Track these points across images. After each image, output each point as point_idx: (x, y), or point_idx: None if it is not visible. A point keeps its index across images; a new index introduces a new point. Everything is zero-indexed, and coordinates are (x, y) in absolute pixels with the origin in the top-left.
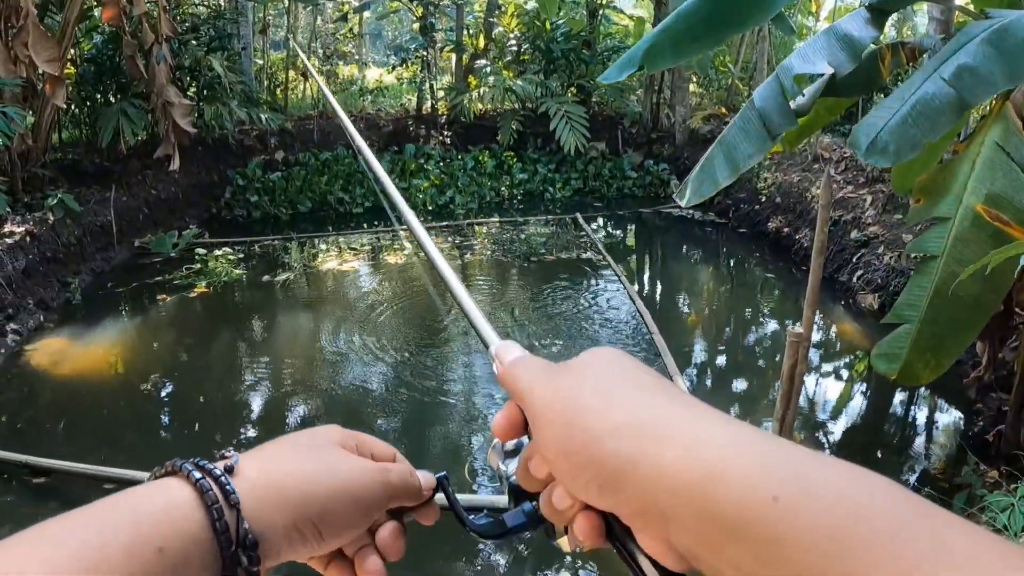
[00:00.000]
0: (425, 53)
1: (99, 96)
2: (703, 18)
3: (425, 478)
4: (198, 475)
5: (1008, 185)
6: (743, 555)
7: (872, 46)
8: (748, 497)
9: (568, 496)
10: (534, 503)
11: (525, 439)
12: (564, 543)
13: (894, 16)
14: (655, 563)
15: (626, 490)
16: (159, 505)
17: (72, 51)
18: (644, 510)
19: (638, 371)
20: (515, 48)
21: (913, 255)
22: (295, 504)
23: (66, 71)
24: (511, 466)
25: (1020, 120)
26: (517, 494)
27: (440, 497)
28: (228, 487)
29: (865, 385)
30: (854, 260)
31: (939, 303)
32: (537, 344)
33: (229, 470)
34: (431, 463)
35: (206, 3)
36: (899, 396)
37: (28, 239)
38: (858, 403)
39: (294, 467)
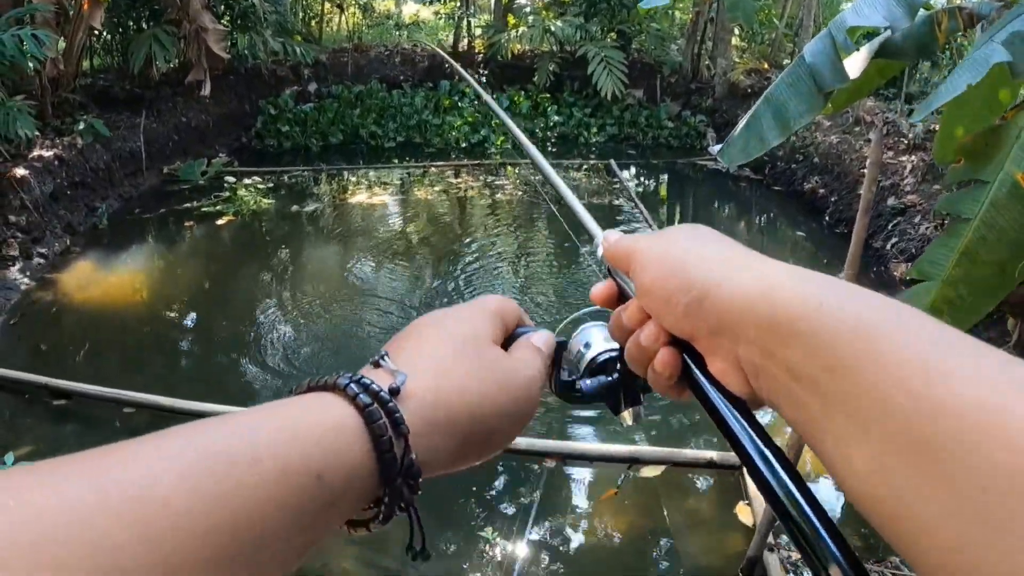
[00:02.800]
0: None
1: (131, 23)
2: None
3: (549, 340)
4: (366, 399)
5: None
6: (794, 353)
7: (925, 11)
8: (798, 304)
9: (655, 330)
10: (610, 377)
11: (593, 331)
12: (626, 416)
13: None
14: (722, 390)
15: (707, 309)
16: (319, 426)
17: None
18: (719, 327)
19: (728, 238)
20: None
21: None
22: (464, 429)
23: None
24: (588, 353)
25: None
26: (593, 371)
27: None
28: (397, 415)
29: None
30: (889, 227)
31: (964, 265)
32: (556, 296)
33: (394, 392)
34: None
35: None
36: None
37: (56, 163)
38: None
39: (463, 384)
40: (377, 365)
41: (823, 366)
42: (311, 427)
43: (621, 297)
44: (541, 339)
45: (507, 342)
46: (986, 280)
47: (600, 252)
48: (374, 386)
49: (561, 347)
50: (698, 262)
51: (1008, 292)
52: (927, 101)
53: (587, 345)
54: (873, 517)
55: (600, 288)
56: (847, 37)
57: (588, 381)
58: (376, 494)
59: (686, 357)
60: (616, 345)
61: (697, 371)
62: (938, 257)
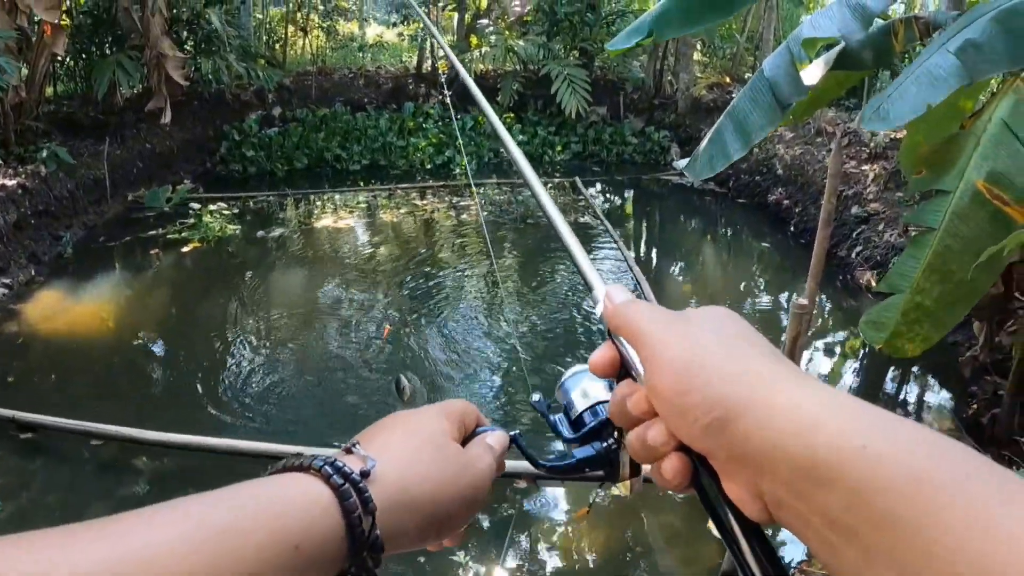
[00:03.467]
0: (427, 11)
1: (95, 48)
2: None
3: (502, 438)
4: (339, 480)
5: (1011, 164)
6: (832, 501)
7: (882, 21)
8: (841, 446)
9: (666, 434)
10: (605, 443)
11: (584, 381)
12: (624, 487)
13: None
14: (735, 511)
15: (730, 434)
16: (297, 502)
17: (68, 2)
18: (743, 456)
19: (751, 331)
20: (518, 8)
21: (909, 226)
22: (425, 512)
23: (63, 22)
24: (580, 405)
25: None
26: (584, 437)
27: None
28: (366, 494)
29: (858, 363)
30: (853, 236)
31: (931, 276)
32: (533, 313)
33: (365, 474)
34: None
35: None
36: (892, 374)
37: (20, 192)
38: (850, 380)
39: (426, 472)
40: (349, 451)
41: (868, 519)
42: (291, 504)
43: (623, 366)
44: (494, 438)
45: (466, 440)
46: (956, 288)
47: (599, 310)
48: (346, 468)
49: (515, 440)
50: (722, 376)
51: (978, 298)
52: (883, 110)
53: (575, 399)
54: None
55: (601, 356)
56: (803, 50)
57: (579, 451)
58: (343, 565)
59: (700, 470)
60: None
61: (711, 489)
62: (907, 269)
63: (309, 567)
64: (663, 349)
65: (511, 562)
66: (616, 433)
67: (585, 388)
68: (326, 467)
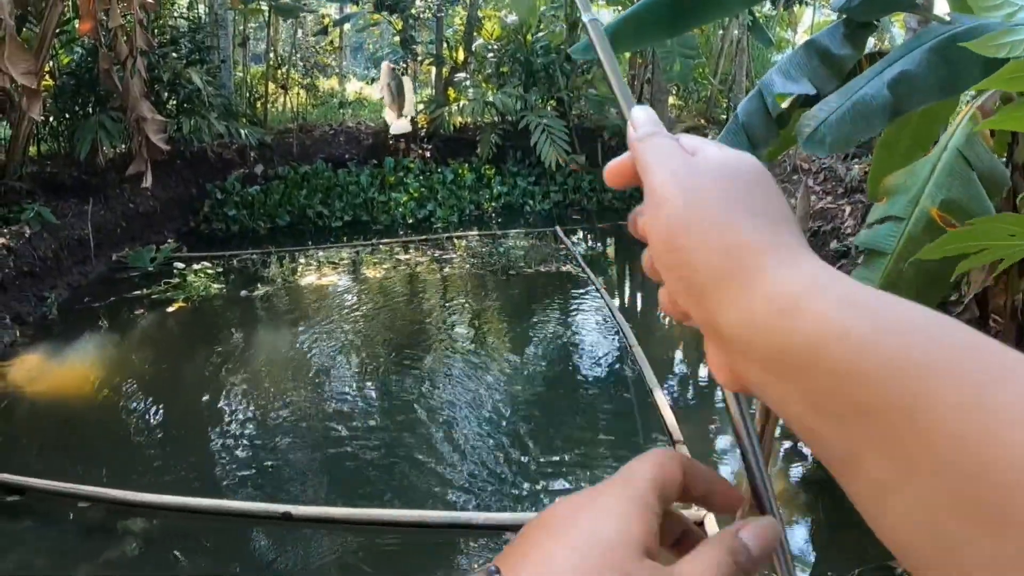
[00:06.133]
0: (405, 66)
1: (78, 109)
2: (667, 3)
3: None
4: None
5: (964, 192)
6: (812, 386)
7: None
8: (821, 332)
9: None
10: None
11: None
12: None
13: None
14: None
15: (707, 304)
16: None
17: (51, 63)
18: (717, 330)
19: (767, 193)
20: (495, 61)
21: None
22: None
23: (44, 83)
24: None
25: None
26: None
27: None
28: None
29: None
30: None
31: None
32: (516, 358)
33: None
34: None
35: (186, 16)
36: None
37: (4, 252)
38: None
39: None
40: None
41: (854, 406)
42: None
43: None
44: (752, 531)
45: (667, 530)
46: None
47: (629, 132)
48: None
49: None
50: (711, 245)
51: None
52: (820, 134)
53: None
54: (908, 560)
55: (617, 165)
56: (775, 102)
57: None
58: None
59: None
60: None
61: None
62: None
63: None
64: (661, 200)
65: None
66: None
67: None
68: None
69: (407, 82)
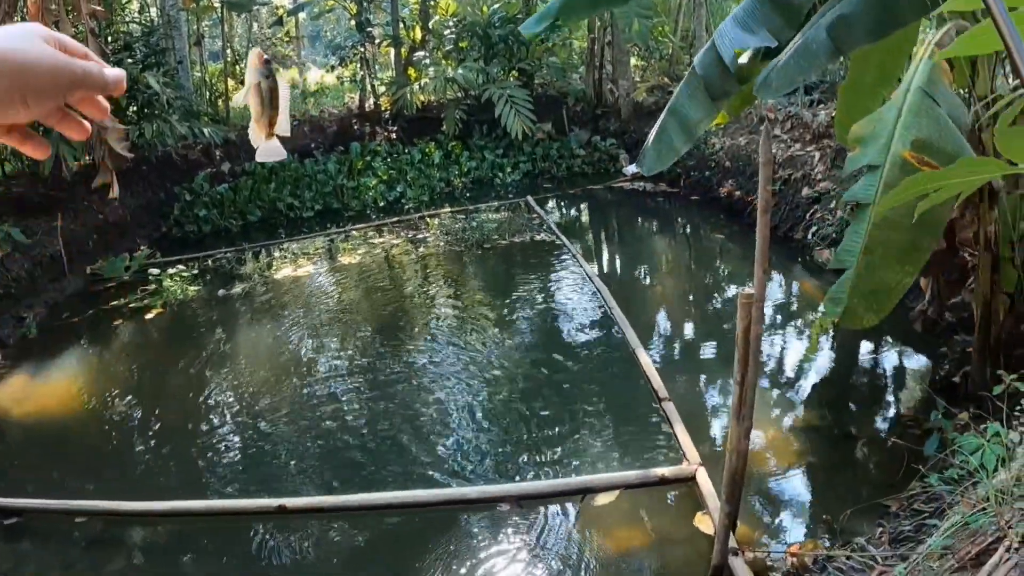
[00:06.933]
0: (363, 50)
1: (37, 124)
2: None
3: (114, 73)
4: None
5: (934, 130)
6: None
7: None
8: None
9: None
10: None
11: None
12: None
13: None
14: None
15: None
16: None
17: None
18: None
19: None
20: (453, 37)
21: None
22: (9, 74)
23: None
24: None
25: (948, 64)
26: None
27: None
28: None
29: (830, 339)
30: (807, 217)
31: (874, 248)
32: (497, 329)
33: None
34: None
35: (138, 20)
36: (865, 347)
37: None
38: (825, 357)
39: (7, 46)
40: None
41: None
42: None
43: None
44: (117, 72)
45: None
46: (900, 255)
47: None
48: None
49: None
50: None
51: (924, 260)
52: (769, 79)
53: None
54: None
55: None
56: (734, 55)
57: None
58: None
59: None
60: None
61: None
62: (852, 245)
63: None
64: None
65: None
66: None
67: None
68: None
69: (283, 85)
